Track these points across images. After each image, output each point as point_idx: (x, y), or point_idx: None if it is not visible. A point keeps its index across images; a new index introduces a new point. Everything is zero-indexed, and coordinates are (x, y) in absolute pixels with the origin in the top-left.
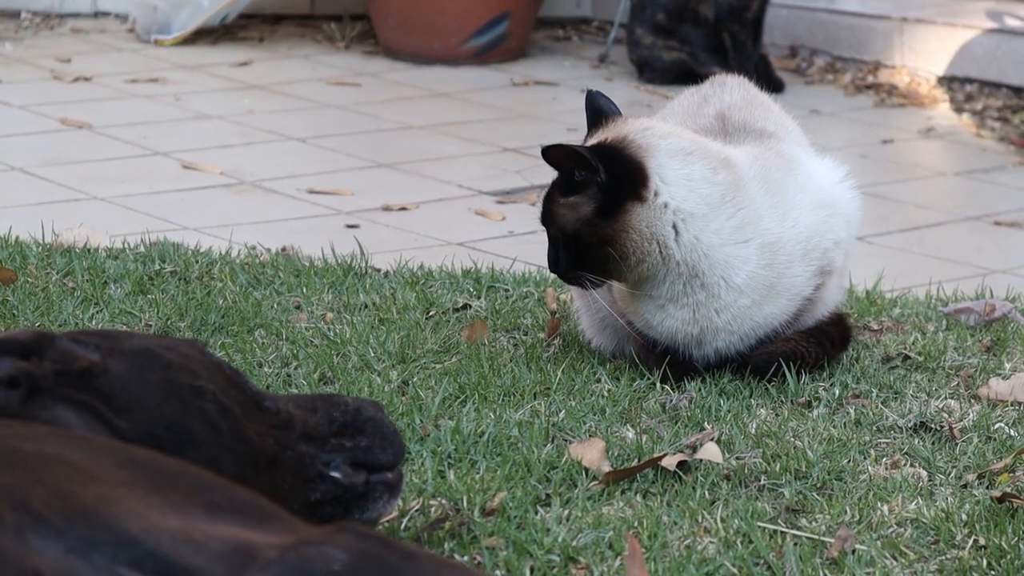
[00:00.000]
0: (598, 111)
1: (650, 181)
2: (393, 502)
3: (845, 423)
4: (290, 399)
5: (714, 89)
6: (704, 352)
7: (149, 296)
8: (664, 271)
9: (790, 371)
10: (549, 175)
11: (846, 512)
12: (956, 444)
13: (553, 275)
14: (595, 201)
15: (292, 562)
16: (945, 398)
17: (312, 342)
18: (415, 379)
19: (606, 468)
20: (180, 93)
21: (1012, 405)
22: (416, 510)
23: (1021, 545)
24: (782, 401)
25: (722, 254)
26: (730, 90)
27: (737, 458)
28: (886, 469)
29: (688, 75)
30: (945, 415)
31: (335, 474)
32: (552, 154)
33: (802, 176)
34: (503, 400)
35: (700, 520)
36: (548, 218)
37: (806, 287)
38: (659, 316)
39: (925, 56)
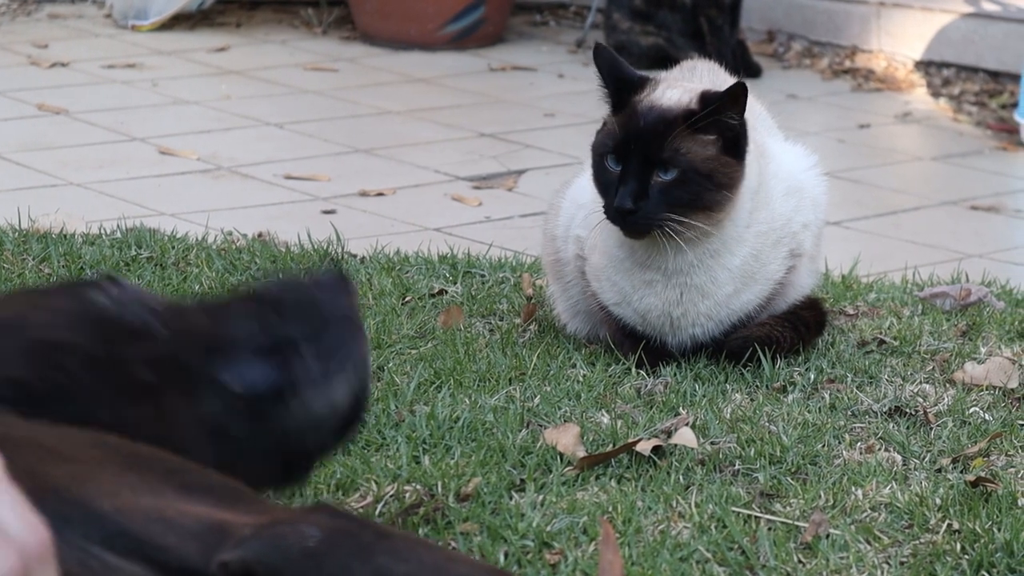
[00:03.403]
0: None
1: (748, 140)
2: (340, 379)
3: (820, 408)
4: (205, 309)
5: (683, 74)
6: (679, 339)
7: None
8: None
9: (765, 356)
10: (526, 161)
11: (820, 497)
12: (931, 428)
13: (530, 260)
14: (716, 147)
15: (267, 539)
16: (920, 382)
17: None
18: (390, 364)
19: (581, 453)
20: (157, 79)
21: (987, 389)
22: (390, 495)
23: (995, 529)
24: (757, 386)
25: (742, 234)
26: (699, 75)
27: (712, 443)
28: (860, 454)
29: (665, 60)
30: (920, 399)
31: (229, 379)
32: (736, 89)
33: (773, 164)
34: (478, 385)
35: (674, 505)
36: (671, 149)
37: (778, 271)
38: (642, 291)
39: (902, 41)
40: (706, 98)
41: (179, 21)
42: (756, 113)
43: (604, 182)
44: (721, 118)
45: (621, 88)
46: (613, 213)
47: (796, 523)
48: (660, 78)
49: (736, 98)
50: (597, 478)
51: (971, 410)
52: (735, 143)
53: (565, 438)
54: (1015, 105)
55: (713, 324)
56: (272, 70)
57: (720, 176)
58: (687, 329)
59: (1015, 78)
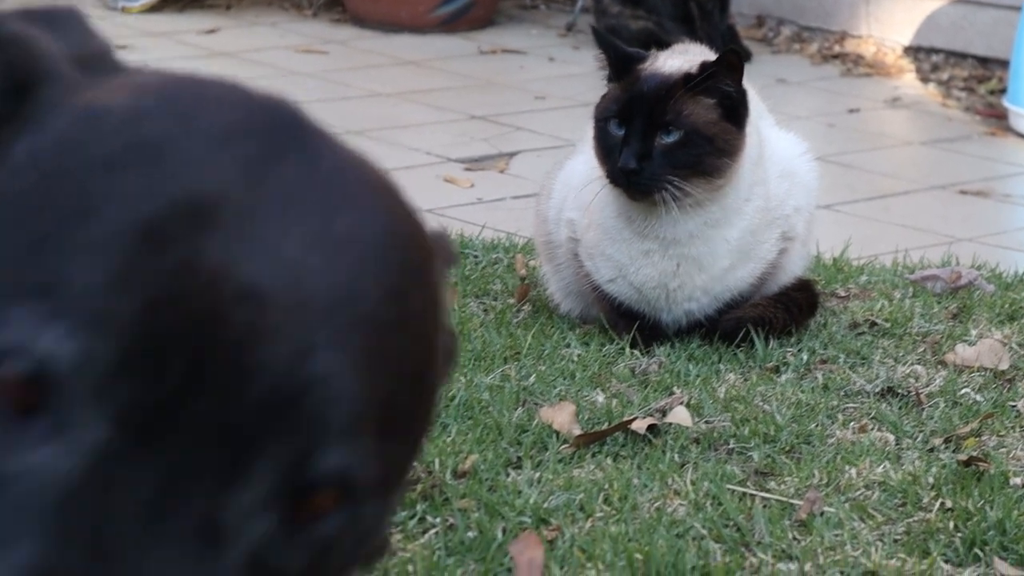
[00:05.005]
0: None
1: (748, 109)
2: None
3: (813, 388)
4: None
5: (673, 56)
6: (674, 314)
7: None
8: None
9: (758, 336)
10: (517, 143)
11: (814, 475)
12: (923, 409)
13: (523, 241)
14: (717, 112)
15: None
16: (912, 364)
17: None
18: None
19: (576, 431)
20: (147, 60)
21: (978, 371)
22: None
23: (987, 508)
24: (750, 366)
25: (742, 207)
26: (689, 58)
27: (706, 422)
28: (853, 433)
29: (655, 44)
30: (912, 380)
31: None
32: (730, 57)
33: (767, 147)
34: (473, 365)
35: (670, 483)
36: (673, 111)
37: (771, 252)
38: (639, 262)
39: (891, 26)
40: (705, 65)
41: (169, 3)
42: (750, 95)
43: (607, 146)
44: (719, 84)
45: (622, 60)
46: (617, 174)
47: (791, 501)
48: (659, 53)
49: (731, 64)
50: (593, 456)
51: (962, 391)
52: (735, 111)
53: (561, 416)
54: (1004, 91)
55: (708, 299)
56: (262, 52)
57: (721, 141)
58: (682, 303)
59: (1004, 64)
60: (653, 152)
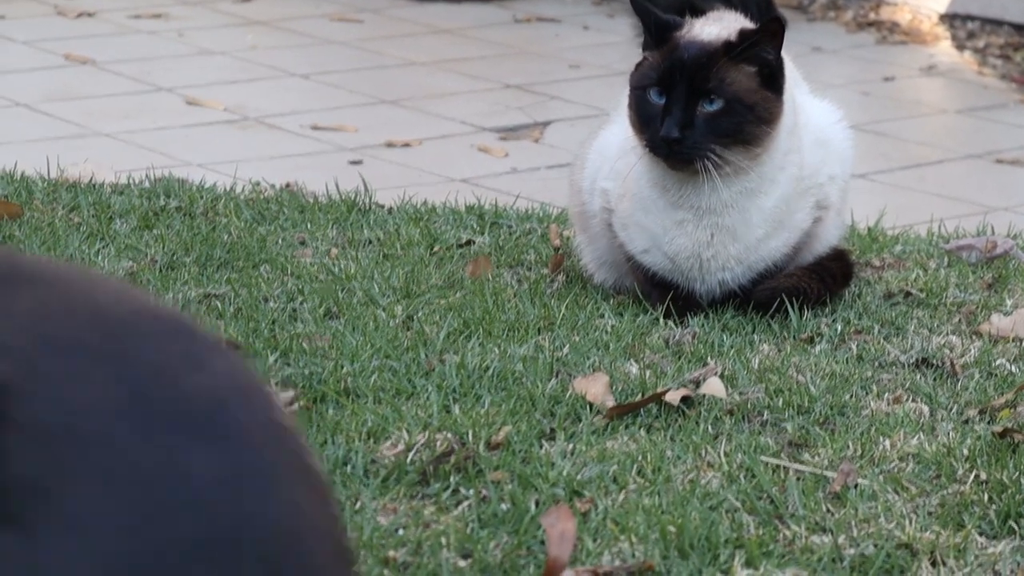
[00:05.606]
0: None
1: (785, 77)
2: None
3: (847, 359)
4: None
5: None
6: (708, 284)
7: (154, 231)
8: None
9: (792, 307)
10: (551, 112)
11: (848, 447)
12: (957, 380)
13: (557, 211)
14: (757, 80)
15: None
16: (947, 334)
17: (317, 277)
18: (420, 314)
19: (610, 403)
20: (183, 29)
21: (1013, 341)
22: (422, 444)
23: (1022, 479)
24: (784, 337)
25: (776, 176)
26: (726, 25)
27: (740, 393)
28: (888, 404)
29: (690, 11)
30: (947, 351)
31: None
32: (772, 25)
33: (801, 115)
34: (507, 335)
35: (703, 454)
36: (716, 79)
37: (805, 221)
38: (672, 232)
39: None
40: (744, 32)
41: None
42: (785, 62)
43: (646, 115)
44: (759, 52)
45: (660, 27)
46: (659, 143)
47: (825, 473)
48: (695, 20)
49: (773, 32)
50: (627, 427)
51: (997, 362)
52: (773, 77)
53: (594, 387)
54: None
55: (742, 269)
56: (297, 20)
57: (762, 109)
58: (716, 273)
59: None
60: (695, 121)
